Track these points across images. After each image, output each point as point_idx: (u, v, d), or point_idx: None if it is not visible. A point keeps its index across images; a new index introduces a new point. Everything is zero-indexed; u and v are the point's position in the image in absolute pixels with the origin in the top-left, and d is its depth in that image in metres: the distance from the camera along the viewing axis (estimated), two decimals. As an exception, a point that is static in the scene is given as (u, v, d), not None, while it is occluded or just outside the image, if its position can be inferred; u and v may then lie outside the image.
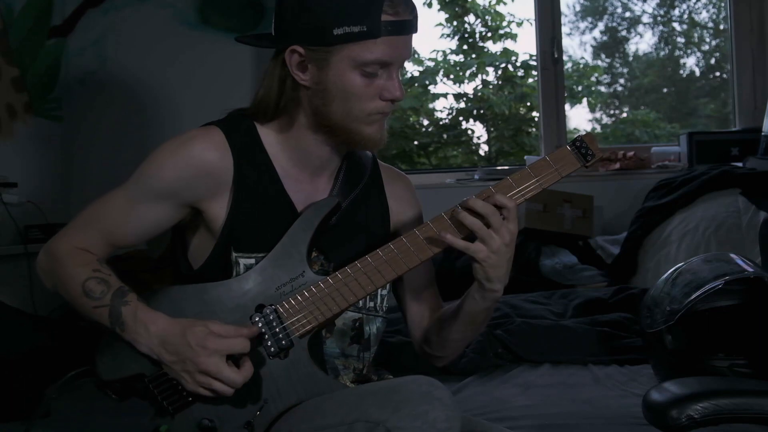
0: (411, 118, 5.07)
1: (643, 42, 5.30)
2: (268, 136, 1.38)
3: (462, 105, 5.05)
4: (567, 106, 4.11)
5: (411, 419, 1.12)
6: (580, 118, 6.72)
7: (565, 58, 3.90)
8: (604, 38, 5.18)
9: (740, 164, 3.31)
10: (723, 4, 4.49)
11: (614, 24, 5.17)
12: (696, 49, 5.06)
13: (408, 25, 1.29)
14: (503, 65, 4.98)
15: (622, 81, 5.36)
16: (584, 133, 1.34)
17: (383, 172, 1.50)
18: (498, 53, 5.00)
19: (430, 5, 4.96)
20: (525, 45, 5.22)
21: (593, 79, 5.08)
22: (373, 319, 1.42)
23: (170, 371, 1.26)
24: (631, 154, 3.68)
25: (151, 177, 1.34)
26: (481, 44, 5.09)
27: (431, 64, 5.00)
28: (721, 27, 4.70)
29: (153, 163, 1.34)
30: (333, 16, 1.25)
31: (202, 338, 1.22)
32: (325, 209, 1.34)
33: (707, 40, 5.00)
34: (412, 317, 1.51)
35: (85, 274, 1.31)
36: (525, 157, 3.97)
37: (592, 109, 5.12)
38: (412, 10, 1.30)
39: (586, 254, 3.26)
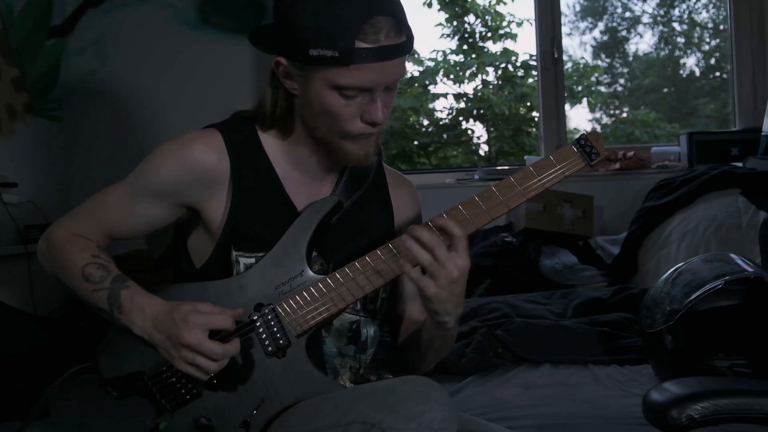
0: (411, 118, 5.07)
1: (643, 42, 5.31)
2: (268, 140, 1.38)
3: (462, 105, 5.05)
4: (567, 106, 4.11)
5: (407, 420, 1.12)
6: (580, 118, 6.72)
7: (565, 58, 3.90)
8: (604, 38, 5.18)
9: (740, 164, 3.31)
10: (723, 4, 4.49)
11: (614, 24, 5.17)
12: (696, 49, 5.06)
13: (391, 50, 1.21)
14: (503, 65, 4.98)
15: (622, 81, 5.36)
16: (589, 131, 1.32)
17: (388, 175, 1.50)
18: (498, 53, 5.00)
19: (430, 5, 4.97)
20: (525, 45, 5.22)
21: (593, 79, 5.08)
22: (370, 322, 1.42)
23: (163, 352, 1.28)
24: (631, 154, 3.68)
25: (149, 176, 1.36)
26: (481, 44, 5.09)
27: (431, 64, 5.00)
28: (721, 27, 4.70)
29: (152, 162, 1.36)
30: (310, 37, 1.20)
31: (185, 314, 1.24)
32: (325, 209, 1.34)
33: (707, 40, 5.01)
34: (393, 323, 1.52)
35: (85, 260, 1.34)
36: (525, 157, 3.97)
37: (592, 109, 5.13)
38: (400, 33, 1.22)
39: (586, 254, 3.26)
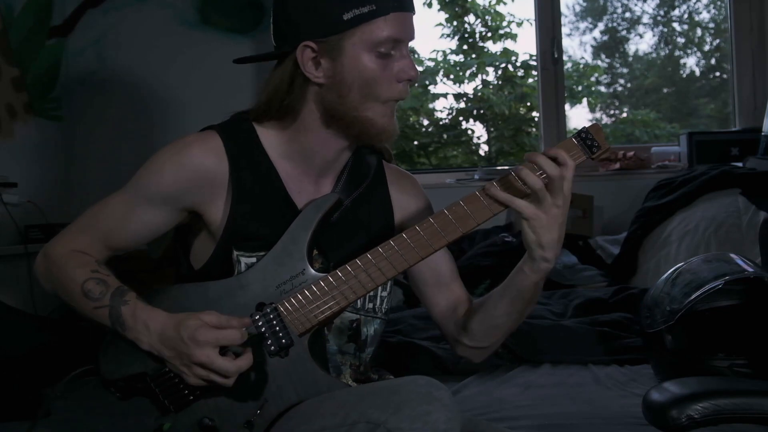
0: (411, 118, 5.06)
1: (643, 42, 5.30)
2: (269, 138, 1.38)
3: (462, 105, 5.05)
4: (567, 106, 4.11)
5: (411, 420, 1.12)
6: (580, 118, 6.70)
7: (565, 58, 3.90)
8: (604, 38, 5.18)
9: (740, 164, 3.31)
10: (723, 4, 4.49)
11: (614, 24, 5.17)
12: (696, 49, 5.06)
13: (409, 2, 1.33)
14: (503, 65, 4.97)
15: (622, 81, 5.36)
16: (590, 123, 1.31)
17: (388, 172, 1.50)
18: (498, 53, 5.00)
19: (430, 5, 4.96)
20: (525, 45, 5.22)
21: (593, 79, 5.08)
22: (371, 321, 1.42)
23: (172, 367, 1.27)
24: (631, 154, 3.68)
25: (149, 182, 1.35)
26: (481, 44, 5.09)
27: (431, 64, 5.00)
28: (722, 27, 4.70)
29: (151, 168, 1.35)
30: (341, 3, 1.27)
31: (193, 331, 1.22)
32: (325, 206, 1.34)
33: (707, 40, 5.00)
34: (443, 311, 1.48)
35: (84, 276, 1.31)
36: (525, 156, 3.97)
37: (592, 109, 5.12)
38: None
39: (586, 254, 3.26)
